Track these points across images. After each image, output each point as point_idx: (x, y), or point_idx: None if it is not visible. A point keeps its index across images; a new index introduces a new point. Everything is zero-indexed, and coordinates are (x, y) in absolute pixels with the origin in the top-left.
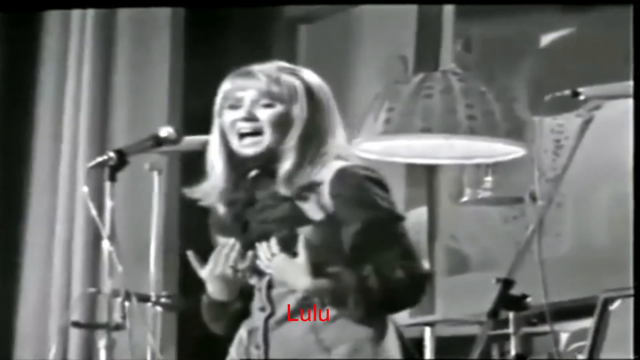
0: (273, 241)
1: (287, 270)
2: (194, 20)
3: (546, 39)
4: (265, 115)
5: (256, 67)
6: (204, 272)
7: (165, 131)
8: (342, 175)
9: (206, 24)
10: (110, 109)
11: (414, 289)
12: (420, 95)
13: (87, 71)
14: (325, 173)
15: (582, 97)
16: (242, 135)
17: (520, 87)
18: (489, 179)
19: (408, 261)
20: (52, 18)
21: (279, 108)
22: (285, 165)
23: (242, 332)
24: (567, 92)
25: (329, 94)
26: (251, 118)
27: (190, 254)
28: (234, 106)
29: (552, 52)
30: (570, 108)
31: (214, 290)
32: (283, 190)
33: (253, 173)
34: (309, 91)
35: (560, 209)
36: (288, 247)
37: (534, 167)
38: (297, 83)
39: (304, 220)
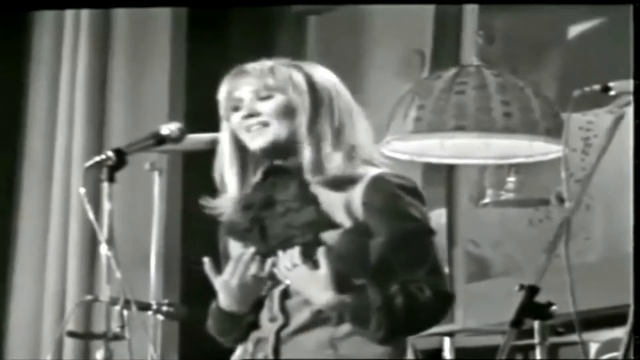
0: (296, 251)
1: (308, 283)
2: (196, 15)
3: (574, 31)
4: (266, 107)
5: (249, 65)
6: (218, 282)
7: (167, 129)
8: (376, 183)
9: (209, 19)
10: (108, 107)
11: (439, 309)
12: (452, 91)
13: (82, 68)
14: (358, 178)
15: (613, 93)
16: (250, 130)
17: (546, 81)
18: (511, 179)
19: (436, 278)
20: (45, 16)
21: (278, 98)
22: (307, 153)
23: (247, 344)
24: (597, 87)
25: (337, 86)
26: (254, 114)
27: (206, 262)
28: (237, 107)
29: (580, 44)
30: (600, 104)
31: (227, 301)
32: (310, 176)
33: (267, 165)
34: (309, 80)
35: (589, 211)
36: (311, 256)
37: (560, 167)
38: (293, 72)
39: (330, 225)
